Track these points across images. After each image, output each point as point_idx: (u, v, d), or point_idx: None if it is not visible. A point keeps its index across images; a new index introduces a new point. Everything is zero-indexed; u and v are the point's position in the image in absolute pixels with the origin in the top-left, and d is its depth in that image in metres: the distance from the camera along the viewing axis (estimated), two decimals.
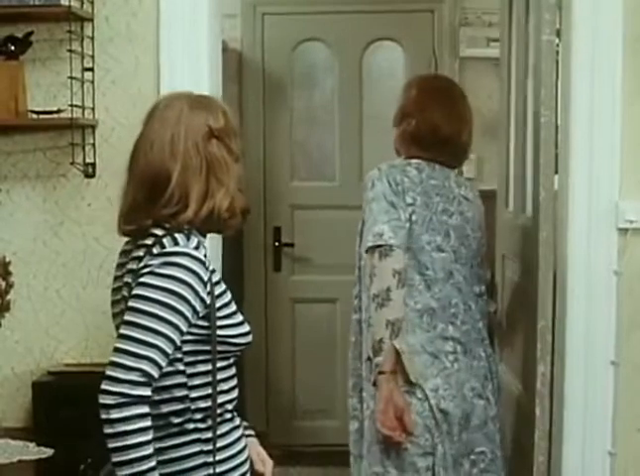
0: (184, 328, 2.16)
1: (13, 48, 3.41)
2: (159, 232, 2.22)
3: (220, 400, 2.25)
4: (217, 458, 2.23)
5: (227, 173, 2.28)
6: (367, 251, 3.12)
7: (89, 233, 3.51)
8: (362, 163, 5.68)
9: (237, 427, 2.34)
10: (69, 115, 3.39)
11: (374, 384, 3.11)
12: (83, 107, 3.43)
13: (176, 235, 2.20)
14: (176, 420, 2.22)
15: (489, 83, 5.56)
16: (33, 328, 3.55)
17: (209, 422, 2.23)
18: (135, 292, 2.16)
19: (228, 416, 2.30)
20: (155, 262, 2.16)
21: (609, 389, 3.37)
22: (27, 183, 3.54)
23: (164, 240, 2.20)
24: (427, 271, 3.18)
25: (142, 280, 2.16)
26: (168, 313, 2.13)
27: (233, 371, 2.33)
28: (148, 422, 2.09)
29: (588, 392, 3.37)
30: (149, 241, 2.22)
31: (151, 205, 2.24)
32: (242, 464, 2.32)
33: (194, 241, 2.21)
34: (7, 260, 3.53)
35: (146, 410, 2.09)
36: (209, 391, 2.23)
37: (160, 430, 2.20)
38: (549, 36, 3.25)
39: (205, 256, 2.22)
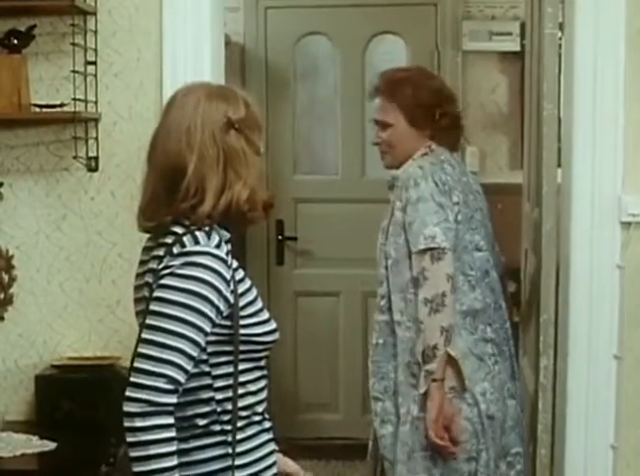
0: (208, 329, 2.09)
1: (16, 41, 3.41)
2: (179, 230, 2.16)
3: (247, 402, 2.19)
4: (242, 462, 2.16)
5: (245, 165, 2.19)
6: (416, 253, 3.04)
7: (92, 227, 3.52)
8: (364, 156, 5.68)
9: (265, 431, 2.26)
10: (72, 109, 3.38)
11: (423, 391, 3.04)
12: (86, 101, 3.43)
13: (197, 233, 2.14)
14: (202, 422, 2.15)
15: (492, 77, 5.57)
16: (36, 322, 3.55)
17: (237, 424, 2.16)
18: (156, 294, 2.10)
19: (256, 418, 2.22)
20: (175, 262, 2.10)
21: (612, 382, 3.37)
22: (30, 177, 3.54)
23: (185, 239, 2.13)
24: (470, 271, 3.14)
25: (162, 282, 2.10)
26: (191, 315, 2.06)
27: (262, 372, 2.25)
28: (172, 433, 2.03)
29: (591, 385, 3.37)
30: (169, 240, 2.15)
31: (170, 198, 2.17)
32: (268, 468, 2.24)
33: (215, 239, 2.14)
34: (10, 253, 3.53)
35: (170, 421, 2.03)
36: (238, 392, 2.16)
37: (185, 431, 2.14)
38: (551, 29, 3.26)
39: (228, 253, 2.16)
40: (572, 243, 3.37)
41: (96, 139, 3.49)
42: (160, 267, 2.13)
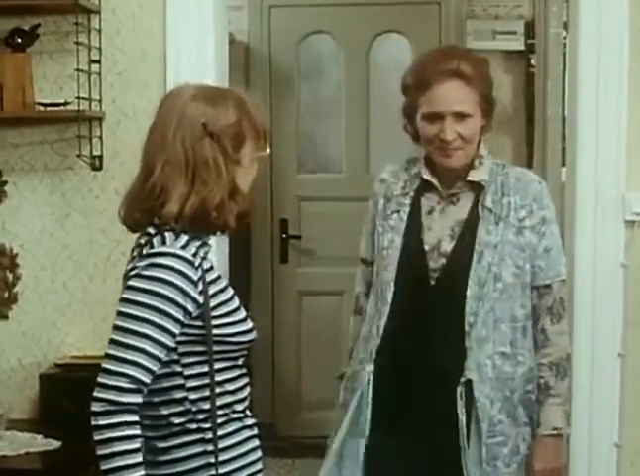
0: (175, 330, 2.10)
1: (20, 40, 3.42)
2: (152, 231, 2.17)
3: (226, 400, 2.20)
4: (222, 458, 2.18)
5: (215, 175, 2.15)
6: (560, 282, 2.77)
7: (96, 225, 3.52)
8: (368, 155, 5.68)
9: (247, 428, 2.25)
10: (76, 107, 3.39)
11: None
12: (90, 99, 3.43)
13: (166, 234, 2.14)
14: (177, 421, 2.17)
15: (496, 76, 5.54)
16: (40, 320, 3.56)
17: (216, 422, 2.18)
18: (122, 295, 2.13)
19: (235, 416, 2.23)
20: (141, 263, 2.12)
21: (616, 381, 3.37)
22: (34, 176, 3.54)
23: (154, 240, 2.15)
24: None
25: (129, 282, 2.12)
26: (155, 316, 2.08)
27: (240, 370, 2.26)
28: (136, 431, 2.05)
29: (595, 384, 3.37)
30: (143, 240, 2.18)
31: (139, 195, 2.19)
32: (249, 465, 2.24)
33: (182, 240, 2.14)
34: (14, 252, 3.54)
35: (134, 418, 2.05)
36: (215, 391, 2.18)
37: (163, 430, 2.17)
38: (556, 28, 3.26)
39: (195, 255, 2.14)
40: (576, 241, 3.37)
41: (100, 137, 3.49)
42: (129, 267, 2.17)
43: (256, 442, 2.28)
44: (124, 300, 2.11)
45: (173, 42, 3.45)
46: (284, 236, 5.77)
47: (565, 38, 3.43)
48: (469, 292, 2.66)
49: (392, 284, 2.73)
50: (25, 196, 3.55)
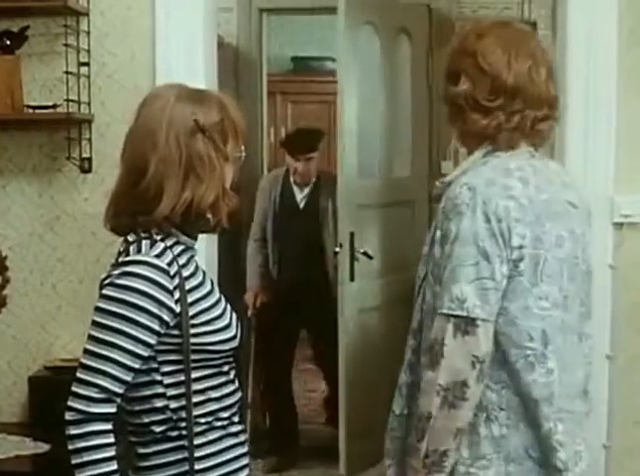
0: (149, 339, 2.08)
1: (9, 42, 3.41)
2: (131, 238, 2.16)
3: (209, 408, 2.17)
4: (202, 466, 2.15)
5: (210, 171, 2.15)
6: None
7: (85, 228, 3.51)
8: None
9: (231, 435, 2.22)
10: (65, 110, 3.39)
11: None
12: (79, 102, 3.43)
13: (143, 242, 2.13)
14: (158, 429, 2.15)
15: None
16: (29, 323, 3.55)
17: (195, 429, 2.15)
18: (96, 303, 2.13)
19: (218, 423, 2.20)
20: (115, 272, 2.12)
21: (604, 382, 3.38)
22: (23, 178, 3.54)
23: (131, 247, 2.14)
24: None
25: (103, 291, 2.12)
26: (126, 326, 2.06)
27: (226, 377, 2.23)
28: (107, 439, 2.04)
29: None
30: (122, 248, 2.18)
31: (130, 198, 2.17)
32: (233, 473, 2.22)
33: (158, 248, 2.11)
34: (3, 255, 3.53)
35: (105, 426, 2.05)
36: (193, 399, 2.15)
37: (144, 436, 2.16)
38: (544, 31, 3.27)
39: (171, 263, 2.12)
40: None
41: (89, 140, 3.49)
42: (104, 276, 2.16)
43: (240, 450, 2.25)
44: (97, 309, 2.11)
45: (163, 44, 3.44)
46: None
47: (554, 40, 3.45)
48: None
49: None
50: (14, 199, 3.54)
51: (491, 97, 2.23)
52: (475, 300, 2.10)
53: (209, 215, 2.17)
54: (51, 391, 3.33)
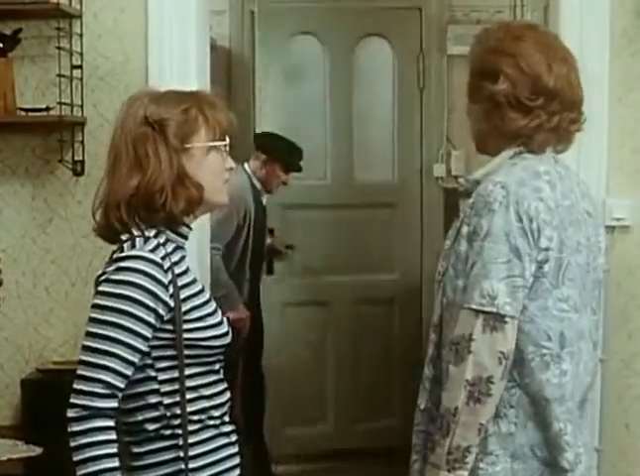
0: (147, 333, 2.11)
1: (1, 45, 3.40)
2: (124, 237, 2.19)
3: (201, 406, 2.19)
4: (195, 465, 2.17)
5: (155, 163, 2.17)
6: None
7: (78, 230, 3.51)
8: (352, 160, 5.66)
9: (224, 435, 2.24)
10: (58, 112, 3.38)
11: None
12: (72, 104, 3.43)
13: (136, 239, 2.16)
14: (152, 427, 2.16)
15: None
16: (22, 326, 3.55)
17: (189, 428, 2.16)
18: (93, 300, 2.14)
19: (211, 422, 2.21)
20: (110, 268, 2.15)
21: (597, 385, 3.38)
22: (16, 181, 3.53)
23: (125, 245, 2.17)
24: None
25: (99, 288, 2.14)
26: (125, 320, 2.08)
27: (217, 376, 2.25)
28: (110, 436, 2.05)
29: None
30: (115, 247, 2.21)
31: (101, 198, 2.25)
32: (224, 472, 2.23)
33: (151, 243, 2.16)
34: None
35: (108, 423, 2.06)
36: (186, 397, 2.16)
37: (138, 435, 2.17)
38: None
39: (164, 258, 2.15)
40: None
41: (82, 143, 3.49)
42: (99, 273, 2.18)
43: (232, 449, 2.27)
44: (95, 306, 2.13)
45: (155, 46, 3.44)
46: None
47: None
48: None
49: None
50: (7, 201, 3.54)
51: (533, 97, 2.28)
52: (505, 298, 2.14)
53: (162, 200, 2.17)
54: (43, 393, 3.33)
